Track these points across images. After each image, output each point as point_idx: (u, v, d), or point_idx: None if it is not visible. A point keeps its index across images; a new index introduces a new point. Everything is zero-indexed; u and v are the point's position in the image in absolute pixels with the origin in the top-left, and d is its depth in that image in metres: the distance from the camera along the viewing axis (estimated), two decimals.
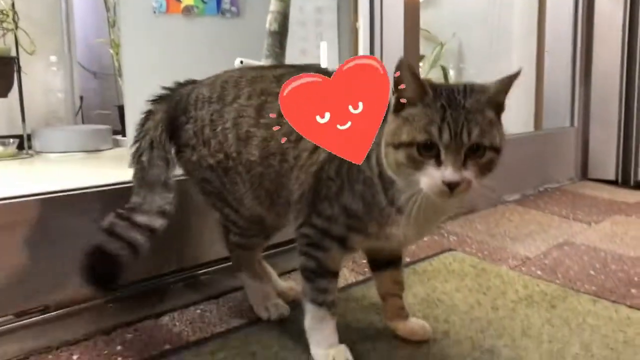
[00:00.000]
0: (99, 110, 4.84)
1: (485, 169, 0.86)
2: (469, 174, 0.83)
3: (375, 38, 2.00)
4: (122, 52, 3.54)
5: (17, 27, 4.03)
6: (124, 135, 4.08)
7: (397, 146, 0.86)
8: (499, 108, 0.90)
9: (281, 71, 1.13)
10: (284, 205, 1.09)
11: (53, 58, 4.38)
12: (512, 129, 3.19)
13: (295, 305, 1.19)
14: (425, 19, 3.57)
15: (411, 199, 0.89)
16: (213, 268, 1.43)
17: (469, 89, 0.88)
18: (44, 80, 4.41)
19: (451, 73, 3.52)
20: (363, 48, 2.05)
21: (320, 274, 1.04)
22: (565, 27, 2.84)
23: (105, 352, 1.06)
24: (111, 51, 4.70)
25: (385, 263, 1.16)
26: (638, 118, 2.76)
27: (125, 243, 1.06)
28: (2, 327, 1.09)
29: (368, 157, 0.94)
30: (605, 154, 2.86)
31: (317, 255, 1.04)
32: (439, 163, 0.83)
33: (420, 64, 3.40)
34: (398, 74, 0.86)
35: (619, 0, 2.69)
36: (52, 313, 1.16)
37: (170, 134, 1.18)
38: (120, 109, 4.40)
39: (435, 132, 0.83)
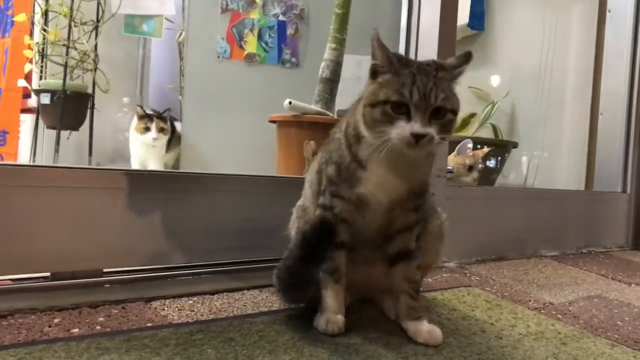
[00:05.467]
0: None
1: (444, 128, 1.03)
2: (432, 130, 1.00)
3: None
4: (185, 93, 3.74)
5: (96, 68, 4.33)
6: None
7: (374, 105, 1.03)
8: (456, 80, 1.09)
9: None
10: None
11: (125, 99, 4.65)
12: (559, 184, 3.11)
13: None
14: (478, 77, 3.59)
15: (376, 150, 1.04)
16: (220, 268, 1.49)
17: (439, 64, 1.07)
18: (114, 119, 4.67)
19: (502, 131, 3.48)
20: None
21: None
22: (621, 88, 2.77)
23: (87, 320, 1.07)
24: (180, 98, 4.96)
25: (396, 257, 1.19)
26: None
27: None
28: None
29: (340, 125, 1.17)
30: None
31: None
32: (408, 119, 1.00)
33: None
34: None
35: None
36: (50, 282, 1.21)
37: None
38: None
39: (407, 94, 1.00)
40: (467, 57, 1.08)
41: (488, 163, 2.85)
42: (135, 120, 3.67)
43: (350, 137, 1.11)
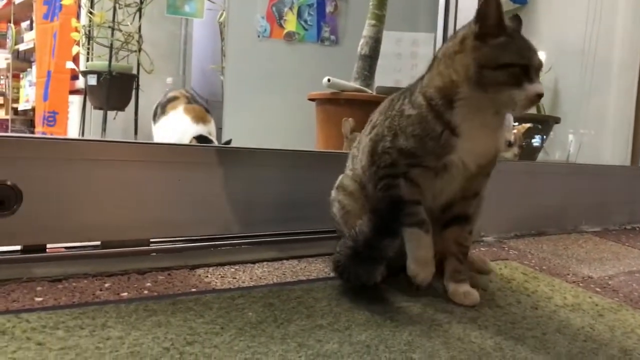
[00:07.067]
0: None
1: None
2: None
3: None
4: (226, 73, 3.80)
5: (140, 49, 4.44)
6: None
7: (495, 68, 1.08)
8: None
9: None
10: None
11: (169, 79, 4.74)
12: (604, 160, 3.04)
13: None
14: None
15: (483, 109, 1.11)
16: (261, 239, 1.54)
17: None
18: (159, 99, 4.76)
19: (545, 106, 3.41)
20: None
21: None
22: None
23: (135, 285, 1.14)
24: (222, 78, 5.03)
25: (451, 219, 1.24)
26: None
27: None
28: (54, 254, 1.23)
29: (412, 101, 1.17)
30: None
31: (394, 193, 1.18)
32: (529, 80, 1.07)
33: None
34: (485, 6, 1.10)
35: None
36: (100, 250, 1.28)
37: None
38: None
39: (530, 57, 1.08)
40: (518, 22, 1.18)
41: (530, 139, 2.82)
42: None
43: (440, 105, 1.12)
